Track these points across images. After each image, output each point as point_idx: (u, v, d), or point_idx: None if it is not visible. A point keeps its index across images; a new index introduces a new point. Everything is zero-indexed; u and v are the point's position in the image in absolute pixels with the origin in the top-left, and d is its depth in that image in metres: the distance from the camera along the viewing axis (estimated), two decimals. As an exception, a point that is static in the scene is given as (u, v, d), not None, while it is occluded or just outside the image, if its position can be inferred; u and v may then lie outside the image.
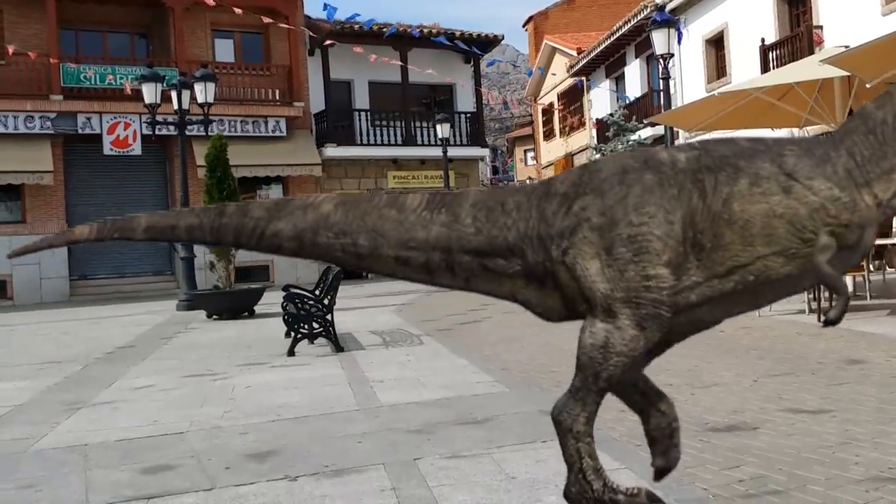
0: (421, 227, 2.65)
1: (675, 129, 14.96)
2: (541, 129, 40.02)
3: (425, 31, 25.86)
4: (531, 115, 46.51)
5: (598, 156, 14.43)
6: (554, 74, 34.27)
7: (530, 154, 51.73)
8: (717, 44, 23.62)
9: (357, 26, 24.45)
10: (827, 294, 8.91)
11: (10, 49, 20.36)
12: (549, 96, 37.75)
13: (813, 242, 2.64)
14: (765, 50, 19.98)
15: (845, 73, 9.52)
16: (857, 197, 2.70)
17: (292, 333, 8.85)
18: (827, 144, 2.81)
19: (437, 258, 2.67)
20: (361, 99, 26.11)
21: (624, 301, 2.53)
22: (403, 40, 25.23)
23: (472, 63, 27.48)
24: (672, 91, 15.59)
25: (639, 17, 25.10)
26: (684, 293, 2.60)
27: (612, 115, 20.58)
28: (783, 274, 2.71)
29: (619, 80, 29.93)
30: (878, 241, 9.43)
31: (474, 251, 2.66)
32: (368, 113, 25.54)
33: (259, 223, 2.75)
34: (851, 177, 2.71)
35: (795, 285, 2.86)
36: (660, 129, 17.90)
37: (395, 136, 25.75)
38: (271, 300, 13.79)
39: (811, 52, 16.91)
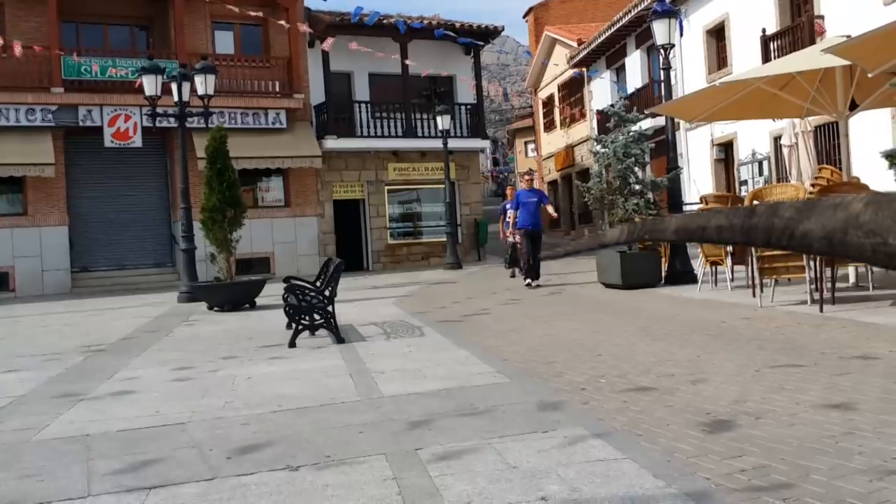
0: None
1: (676, 119, 14.92)
2: (541, 121, 39.94)
3: (426, 22, 25.79)
4: (531, 106, 46.42)
5: (598, 147, 14.35)
6: (556, 65, 34.18)
7: (531, 146, 51.65)
8: (717, 34, 23.55)
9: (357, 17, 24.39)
10: (829, 284, 8.90)
11: (17, 46, 20.27)
12: (550, 88, 37.66)
13: None
14: (766, 40, 19.91)
15: (847, 63, 9.48)
16: None
17: (293, 325, 8.85)
18: None
19: None
20: (362, 91, 26.03)
21: None
22: (403, 32, 25.17)
23: (472, 55, 27.41)
24: (673, 82, 15.54)
25: (639, 8, 25.03)
26: None
27: (612, 105, 20.45)
28: None
29: (620, 71, 29.86)
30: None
31: None
32: (369, 105, 25.48)
33: (789, 223, 2.68)
34: None
35: None
36: (661, 120, 17.84)
37: (396, 127, 25.67)
38: (272, 292, 13.79)
39: (812, 43, 16.85)
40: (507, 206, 17.44)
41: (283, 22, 23.25)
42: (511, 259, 17.53)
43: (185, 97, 16.30)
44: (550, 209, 15.39)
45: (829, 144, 17.97)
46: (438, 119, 23.34)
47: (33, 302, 18.88)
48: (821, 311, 8.36)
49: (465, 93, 27.58)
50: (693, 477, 3.48)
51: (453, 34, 25.25)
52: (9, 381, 7.31)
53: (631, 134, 13.48)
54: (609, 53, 30.13)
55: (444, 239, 24.05)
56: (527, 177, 15.86)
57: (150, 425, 5.16)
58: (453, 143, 24.46)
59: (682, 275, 12.88)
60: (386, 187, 26.18)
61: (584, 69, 31.38)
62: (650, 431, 4.26)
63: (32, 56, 21.04)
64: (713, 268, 11.89)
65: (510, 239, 17.18)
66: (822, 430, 4.07)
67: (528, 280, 14.52)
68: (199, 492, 3.71)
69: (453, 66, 27.11)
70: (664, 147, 14.97)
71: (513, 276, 16.97)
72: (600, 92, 30.77)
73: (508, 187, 20.94)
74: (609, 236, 2.89)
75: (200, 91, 16.19)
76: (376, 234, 26.02)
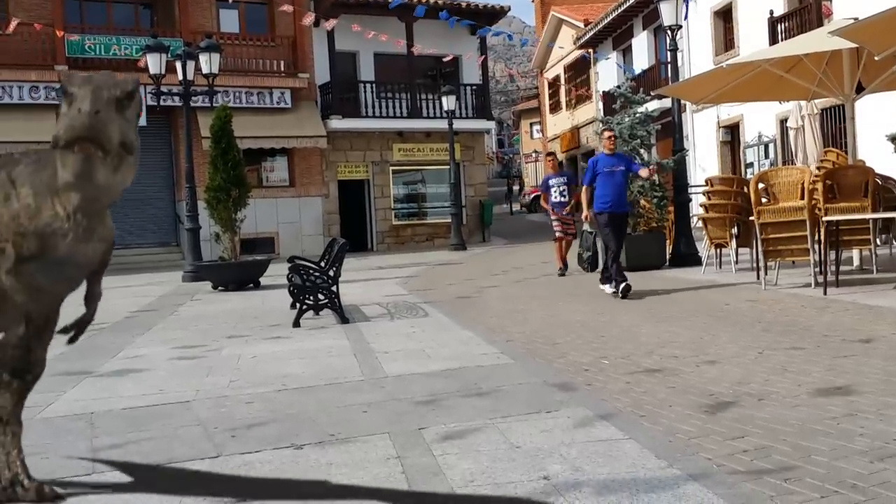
0: None
1: (682, 101, 14.85)
2: (547, 102, 39.80)
3: (431, 1, 25.64)
4: (537, 87, 46.25)
5: (604, 128, 14.29)
6: (561, 47, 34.01)
7: (536, 127, 51.53)
8: (725, 16, 23.42)
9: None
10: (833, 267, 8.89)
11: (14, 22, 20.21)
12: (556, 69, 37.50)
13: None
14: (773, 22, 19.80)
15: (854, 46, 9.42)
16: (48, 204, 2.68)
17: (297, 305, 8.86)
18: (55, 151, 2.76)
19: None
20: (367, 70, 25.95)
21: None
22: (409, 11, 25.04)
23: (477, 35, 27.28)
24: (680, 63, 15.45)
25: (647, -11, 24.86)
26: None
27: (618, 87, 20.31)
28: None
29: (627, 52, 29.71)
30: (886, 215, 9.38)
31: None
32: (374, 85, 25.40)
33: None
34: (50, 183, 2.68)
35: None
36: (667, 102, 17.78)
37: (401, 108, 25.60)
38: (277, 272, 13.82)
39: (820, 25, 16.74)
40: (551, 180, 13.47)
41: (285, 8, 23.03)
42: (593, 259, 12.60)
43: (190, 76, 16.25)
44: (645, 172, 10.70)
45: (836, 127, 17.90)
46: (444, 99, 23.26)
47: (38, 280, 18.88)
48: (824, 293, 8.36)
49: (470, 73, 27.47)
50: (695, 457, 3.50)
51: (458, 15, 25.07)
52: (14, 359, 7.34)
53: (637, 115, 13.44)
54: (616, 34, 29.97)
55: (449, 220, 24.04)
56: (607, 133, 10.53)
57: (154, 403, 5.19)
58: (458, 124, 24.40)
59: (687, 257, 12.87)
60: (391, 168, 26.15)
61: (591, 50, 31.23)
62: (653, 412, 4.28)
63: (36, 34, 20.99)
64: (718, 250, 11.88)
65: (586, 227, 12.25)
66: (824, 411, 4.08)
67: (622, 285, 9.43)
68: (203, 469, 3.73)
69: (459, 46, 26.98)
70: (670, 129, 14.93)
71: (603, 282, 10.12)
72: (606, 73, 30.63)
73: (548, 158, 15.45)
74: None
75: (205, 70, 16.15)
76: (381, 214, 26.03)
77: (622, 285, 9.40)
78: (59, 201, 2.67)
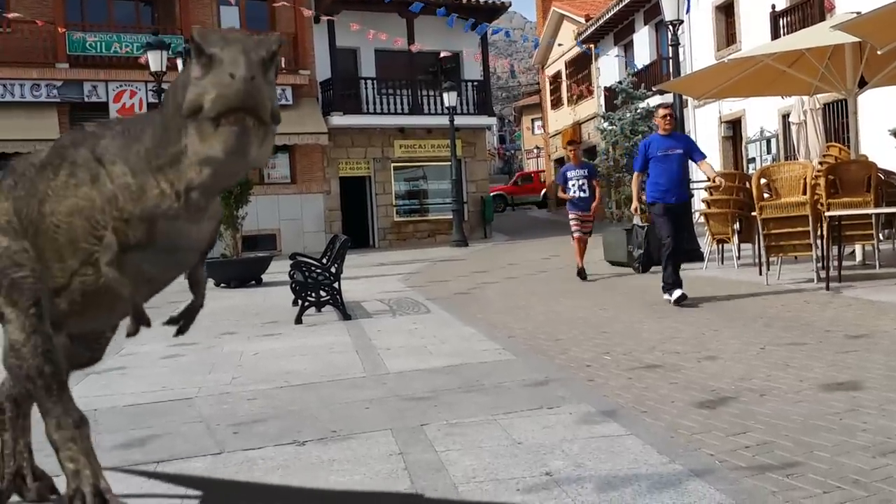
0: None
1: (684, 96, 14.83)
2: (548, 98, 39.72)
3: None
4: (538, 83, 46.17)
5: (605, 124, 14.26)
6: (560, 44, 33.93)
7: (538, 123, 51.44)
8: (726, 10, 23.36)
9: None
10: (836, 262, 8.88)
11: (11, 15, 20.20)
12: (557, 64, 37.43)
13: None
14: (775, 16, 19.75)
15: (856, 40, 9.41)
16: (151, 183, 2.30)
17: (300, 301, 8.87)
18: (150, 117, 2.37)
19: None
20: (368, 67, 25.91)
21: None
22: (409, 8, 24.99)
23: (476, 32, 27.21)
24: (681, 58, 15.42)
25: (648, -16, 24.81)
26: None
27: (620, 82, 20.26)
28: (107, 286, 2.43)
29: (628, 48, 29.65)
30: (888, 210, 9.36)
31: None
32: (375, 81, 25.37)
33: None
34: (149, 158, 2.30)
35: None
36: (669, 97, 17.76)
37: (402, 104, 25.57)
38: (279, 269, 13.82)
39: (822, 19, 16.70)
40: (569, 172, 11.84)
41: (282, 2, 23.01)
42: (646, 257, 11.27)
43: (191, 73, 16.23)
44: (708, 168, 9.06)
45: (838, 122, 17.87)
46: (445, 96, 23.24)
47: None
48: (827, 288, 8.35)
49: (471, 69, 27.41)
50: (697, 453, 3.50)
51: (457, 11, 25.02)
52: (17, 356, 7.34)
53: (638, 111, 13.41)
54: (617, 30, 29.89)
55: (451, 216, 24.02)
56: (661, 111, 9.18)
57: (157, 400, 5.20)
58: (460, 120, 24.37)
59: (689, 252, 12.82)
60: (392, 164, 26.12)
61: (592, 46, 31.16)
62: (655, 408, 4.28)
63: (37, 31, 20.98)
64: (720, 246, 11.86)
65: (636, 220, 11.51)
66: (827, 407, 4.07)
67: (674, 292, 8.28)
68: (206, 466, 3.73)
69: (460, 42, 26.91)
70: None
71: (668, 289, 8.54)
72: (608, 68, 30.58)
73: (570, 147, 12.85)
74: None
75: (206, 67, 16.13)
76: (382, 211, 26.01)
77: (675, 293, 8.20)
78: (164, 178, 2.28)
